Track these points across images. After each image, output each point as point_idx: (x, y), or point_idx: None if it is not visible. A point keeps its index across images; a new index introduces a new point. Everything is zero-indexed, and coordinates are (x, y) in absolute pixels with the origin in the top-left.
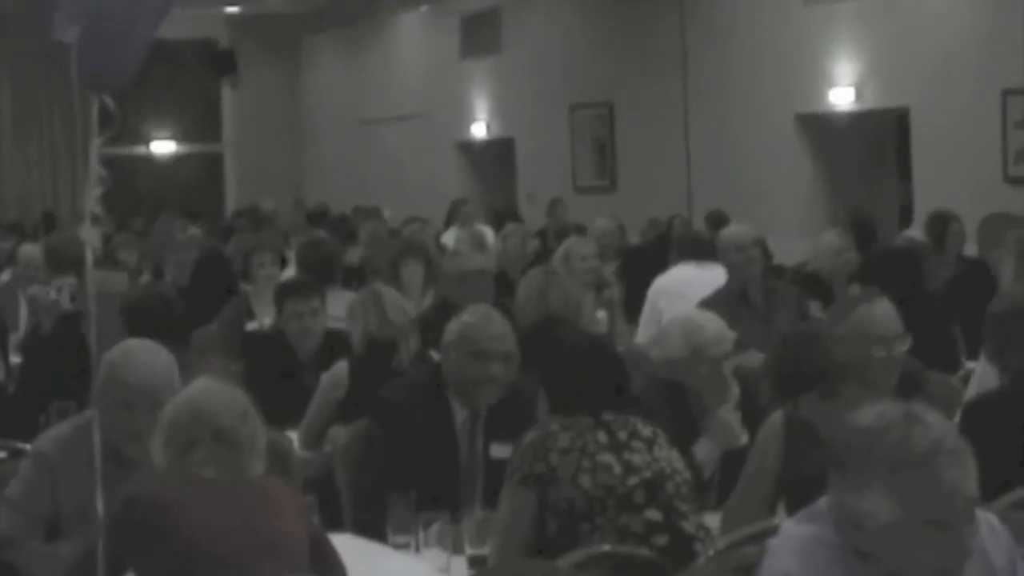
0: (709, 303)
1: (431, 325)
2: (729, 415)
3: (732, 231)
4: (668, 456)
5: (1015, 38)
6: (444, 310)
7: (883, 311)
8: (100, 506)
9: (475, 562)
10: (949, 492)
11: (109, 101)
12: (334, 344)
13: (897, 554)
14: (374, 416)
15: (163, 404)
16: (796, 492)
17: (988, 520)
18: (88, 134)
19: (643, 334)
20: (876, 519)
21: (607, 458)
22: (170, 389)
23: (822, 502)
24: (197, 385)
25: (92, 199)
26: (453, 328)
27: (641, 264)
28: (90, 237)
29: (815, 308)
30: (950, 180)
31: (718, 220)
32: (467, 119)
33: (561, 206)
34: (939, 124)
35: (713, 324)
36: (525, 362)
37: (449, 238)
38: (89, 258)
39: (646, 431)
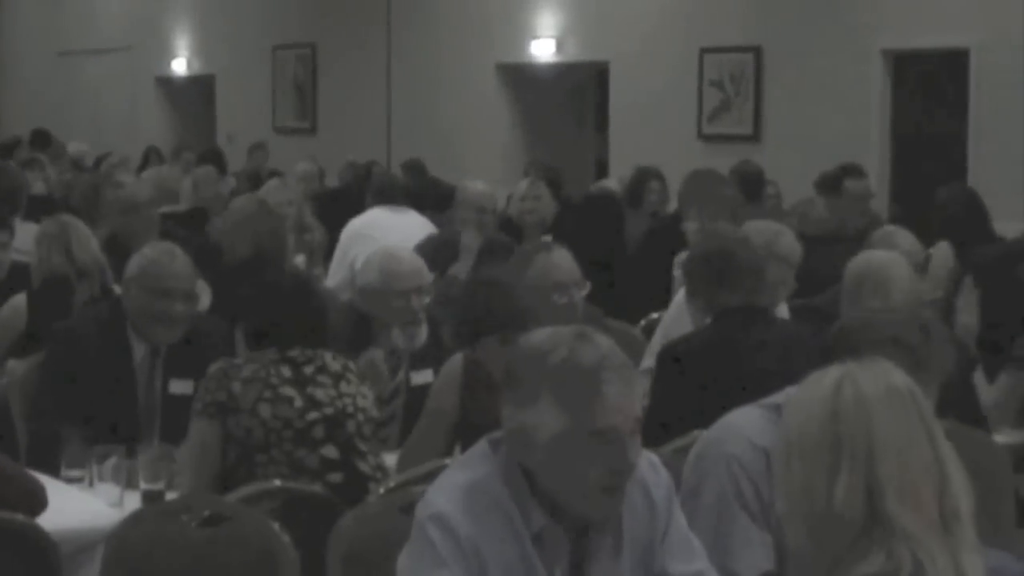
0: (423, 248)
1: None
2: (376, 357)
3: (477, 191)
4: (355, 392)
5: None
6: (114, 244)
7: (561, 259)
8: None
9: (149, 497)
10: (613, 404)
11: None
12: (18, 278)
13: (564, 468)
14: (50, 348)
15: None
16: (470, 434)
17: (649, 457)
18: None
19: (332, 277)
20: (544, 431)
21: (289, 391)
22: None
23: (482, 442)
24: None
25: None
26: (135, 263)
27: (337, 207)
28: None
29: None
30: (646, 136)
31: (416, 168)
32: (168, 55)
33: (261, 151)
34: (637, 80)
35: (410, 261)
36: (229, 295)
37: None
38: None
39: (335, 365)
